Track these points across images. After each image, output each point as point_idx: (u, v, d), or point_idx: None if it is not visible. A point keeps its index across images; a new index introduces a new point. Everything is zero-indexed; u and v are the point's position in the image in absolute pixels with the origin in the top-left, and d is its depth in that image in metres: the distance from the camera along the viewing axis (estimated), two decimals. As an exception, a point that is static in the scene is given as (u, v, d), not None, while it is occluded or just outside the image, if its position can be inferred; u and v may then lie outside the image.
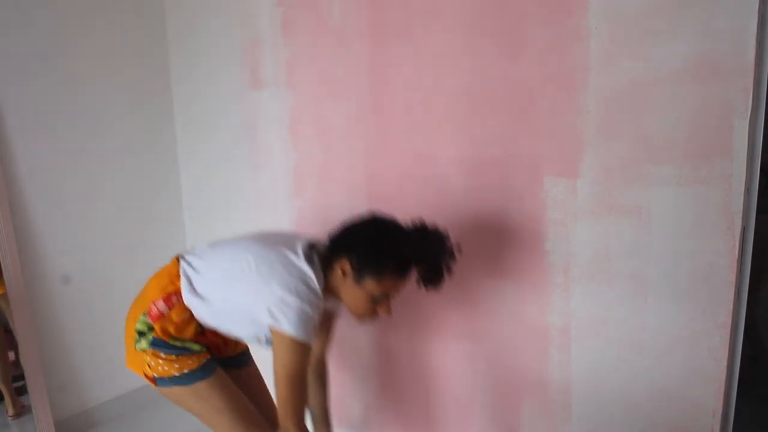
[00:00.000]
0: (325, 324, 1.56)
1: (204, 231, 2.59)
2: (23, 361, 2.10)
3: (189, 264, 1.41)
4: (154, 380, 1.38)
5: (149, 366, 1.36)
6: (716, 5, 1.16)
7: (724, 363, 1.25)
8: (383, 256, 1.28)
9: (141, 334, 1.36)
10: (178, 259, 1.45)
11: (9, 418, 2.20)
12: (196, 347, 1.40)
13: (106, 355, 2.33)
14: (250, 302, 1.30)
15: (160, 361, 1.35)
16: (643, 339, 1.36)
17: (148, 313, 1.37)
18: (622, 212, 1.34)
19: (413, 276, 1.33)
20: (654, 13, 1.24)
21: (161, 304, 1.36)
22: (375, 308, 1.33)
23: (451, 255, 1.32)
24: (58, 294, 2.23)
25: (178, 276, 1.39)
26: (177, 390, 1.38)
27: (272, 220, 2.22)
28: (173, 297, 1.37)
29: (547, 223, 1.47)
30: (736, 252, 1.20)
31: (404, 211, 1.76)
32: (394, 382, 1.94)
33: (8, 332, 2.16)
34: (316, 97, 1.95)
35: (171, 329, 1.36)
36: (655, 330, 1.34)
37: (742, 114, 1.16)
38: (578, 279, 1.44)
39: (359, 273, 1.29)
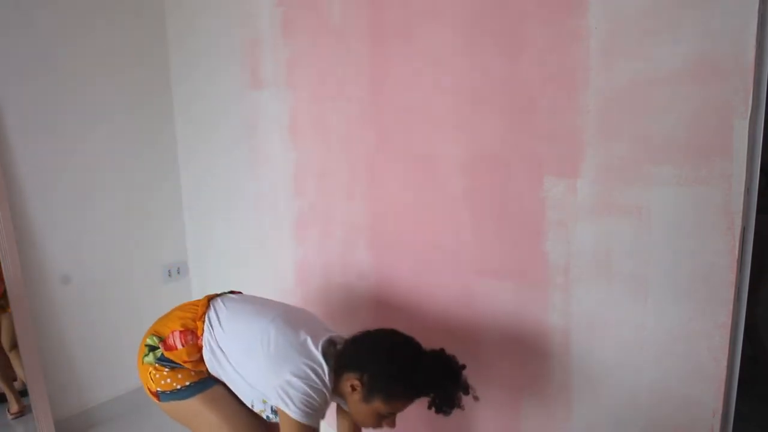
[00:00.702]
0: (349, 424, 1.55)
1: (204, 231, 2.59)
2: (23, 361, 2.10)
3: (216, 314, 1.45)
4: (157, 395, 1.43)
5: (152, 379, 1.42)
6: (716, 5, 1.16)
7: (724, 363, 1.25)
8: (396, 384, 1.28)
9: (151, 348, 1.43)
10: (208, 301, 1.50)
11: (10, 417, 2.20)
12: (200, 367, 1.45)
13: (106, 355, 2.34)
14: (259, 378, 1.35)
15: (165, 373, 1.41)
16: (643, 339, 1.36)
17: (163, 340, 1.43)
18: (622, 212, 1.34)
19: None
20: (654, 13, 1.24)
21: (178, 338, 1.42)
22: (380, 422, 1.35)
23: (465, 389, 1.33)
24: (58, 294, 2.23)
25: (202, 318, 1.44)
26: (177, 405, 1.42)
27: (272, 220, 2.22)
28: (189, 336, 1.42)
29: (547, 223, 1.47)
30: (736, 252, 1.20)
31: (404, 210, 1.77)
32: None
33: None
34: (316, 97, 1.95)
35: (179, 361, 1.42)
36: (655, 330, 1.34)
37: (742, 114, 1.16)
38: (578, 279, 1.44)
39: (369, 393, 1.29)
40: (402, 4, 1.67)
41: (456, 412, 1.31)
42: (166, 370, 1.41)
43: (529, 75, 1.44)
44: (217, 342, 1.41)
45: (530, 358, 1.57)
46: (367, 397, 1.29)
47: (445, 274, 1.72)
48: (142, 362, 1.43)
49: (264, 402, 1.39)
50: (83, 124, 2.25)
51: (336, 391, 1.36)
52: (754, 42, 1.12)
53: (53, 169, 2.18)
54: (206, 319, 1.44)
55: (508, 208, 1.54)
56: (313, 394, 1.28)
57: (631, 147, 1.31)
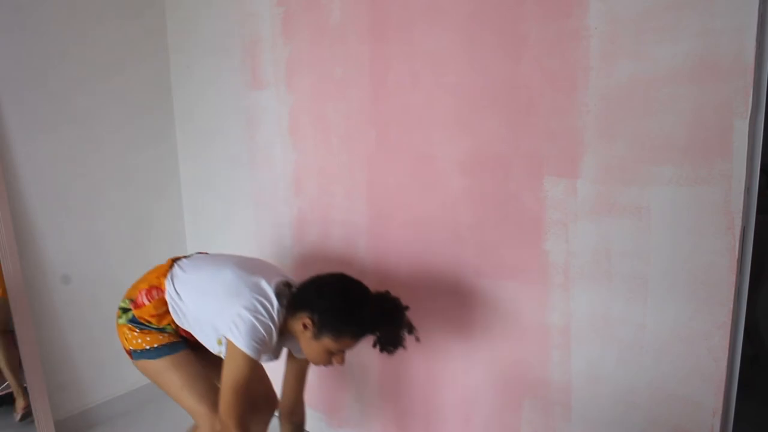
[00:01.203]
0: (296, 371, 1.67)
1: (204, 231, 2.59)
2: (23, 361, 2.10)
3: (179, 268, 1.55)
4: (130, 353, 1.53)
5: (126, 339, 1.53)
6: (716, 5, 1.16)
7: (724, 363, 1.25)
8: (343, 323, 1.38)
9: (124, 310, 1.55)
10: (172, 261, 1.60)
11: (17, 414, 2.18)
12: (169, 329, 1.53)
13: (106, 355, 2.33)
14: (215, 315, 1.42)
15: (135, 334, 1.51)
16: (643, 339, 1.36)
17: (133, 300, 1.54)
18: (622, 212, 1.34)
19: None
20: (654, 13, 1.24)
21: (144, 295, 1.52)
22: (330, 359, 1.43)
23: (409, 328, 1.43)
24: (58, 294, 2.23)
25: (166, 274, 1.54)
26: (147, 363, 1.52)
27: (272, 220, 2.22)
28: (154, 291, 1.52)
29: (547, 223, 1.47)
30: (736, 252, 1.20)
31: (404, 211, 1.77)
32: (394, 382, 1.94)
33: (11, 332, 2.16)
34: (316, 97, 1.95)
35: (148, 318, 1.51)
36: (655, 330, 1.34)
37: (742, 114, 1.16)
38: (578, 279, 1.44)
39: (319, 331, 1.38)
40: (402, 4, 1.67)
41: None
42: (137, 331, 1.51)
43: (529, 75, 1.45)
44: (177, 292, 1.49)
45: (530, 358, 1.57)
46: (318, 334, 1.38)
47: (445, 274, 1.71)
48: (117, 323, 1.55)
49: (220, 343, 1.46)
50: (83, 125, 2.25)
51: (290, 330, 1.45)
52: (754, 42, 1.13)
53: (54, 170, 2.18)
54: (169, 275, 1.54)
55: (508, 208, 1.54)
56: (260, 327, 1.36)
57: (631, 147, 1.31)
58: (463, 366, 1.73)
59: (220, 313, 1.41)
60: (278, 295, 1.44)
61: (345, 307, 1.39)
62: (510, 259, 1.56)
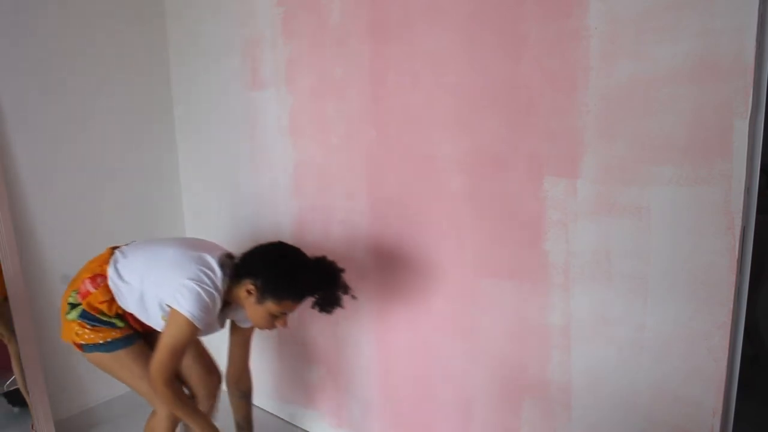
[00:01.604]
0: (240, 341, 1.76)
1: (204, 231, 2.59)
2: (23, 361, 2.10)
3: (121, 254, 1.60)
4: (81, 347, 1.55)
5: (77, 334, 1.54)
6: (716, 5, 1.16)
7: (724, 363, 1.25)
8: (283, 287, 1.47)
9: (72, 306, 1.55)
10: (112, 249, 1.64)
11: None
12: (120, 323, 1.56)
13: (106, 355, 2.33)
14: (160, 288, 1.47)
15: (87, 330, 1.53)
16: (643, 339, 1.36)
17: (78, 291, 1.55)
18: (622, 212, 1.34)
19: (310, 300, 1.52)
20: (654, 13, 1.24)
21: (89, 284, 1.55)
22: (273, 322, 1.52)
23: (344, 289, 1.53)
24: (58, 294, 2.22)
25: (107, 261, 1.58)
26: (100, 356, 1.55)
27: (272, 220, 2.22)
28: (98, 278, 1.55)
29: (547, 223, 1.47)
30: (736, 252, 1.20)
31: (404, 210, 1.77)
32: (394, 382, 1.94)
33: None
34: (316, 97, 1.95)
35: (97, 306, 1.53)
36: (655, 330, 1.34)
37: (742, 114, 1.16)
38: (578, 279, 1.44)
39: (261, 295, 1.47)
40: (402, 4, 1.67)
41: None
42: (88, 327, 1.53)
43: (529, 75, 1.45)
44: (120, 275, 1.53)
45: (530, 358, 1.57)
46: (261, 299, 1.47)
47: (445, 274, 1.72)
48: (66, 319, 1.56)
49: (164, 319, 1.50)
50: (83, 125, 2.25)
51: (234, 298, 1.53)
52: (754, 42, 1.13)
53: (54, 171, 2.18)
54: (111, 260, 1.58)
55: (508, 208, 1.54)
56: (204, 296, 1.43)
57: (631, 147, 1.31)
58: (463, 366, 1.73)
59: (164, 286, 1.46)
60: (222, 265, 1.51)
61: (285, 271, 1.47)
62: (510, 259, 1.56)
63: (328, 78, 1.90)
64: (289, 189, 2.12)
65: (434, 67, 1.63)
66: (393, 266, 1.85)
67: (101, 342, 1.53)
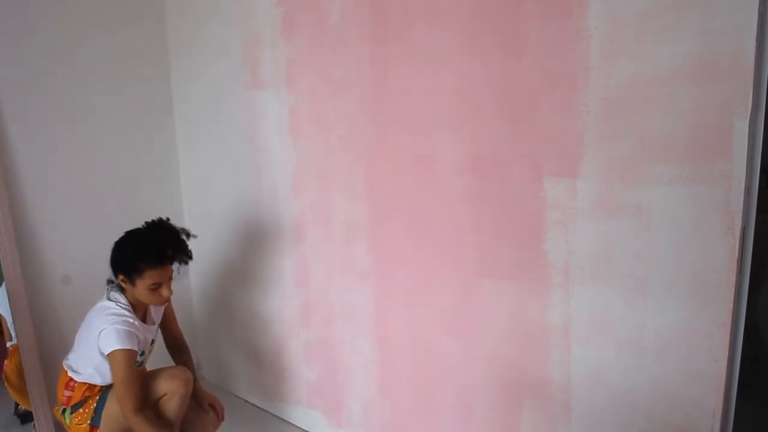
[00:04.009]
0: (165, 318, 1.93)
1: (204, 230, 2.59)
2: (23, 361, 2.10)
3: (66, 358, 1.79)
4: (94, 428, 1.71)
5: (80, 424, 1.70)
6: (716, 5, 1.16)
7: (724, 363, 1.25)
8: (131, 261, 1.66)
9: (63, 412, 1.75)
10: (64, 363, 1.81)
11: None
12: (95, 389, 1.73)
13: (106, 355, 2.33)
14: (93, 351, 1.66)
15: (80, 412, 1.70)
16: (643, 339, 1.36)
17: (61, 403, 1.76)
18: (622, 212, 1.34)
19: (170, 260, 1.69)
20: (654, 13, 1.24)
21: (66, 393, 1.74)
22: (157, 294, 1.69)
23: (186, 234, 1.73)
24: (58, 294, 2.23)
25: (65, 372, 1.77)
26: (104, 418, 1.70)
27: (272, 220, 2.22)
28: (71, 383, 1.75)
29: (547, 223, 1.47)
30: (736, 252, 1.20)
31: (404, 210, 1.77)
32: (394, 382, 1.94)
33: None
34: (316, 97, 1.95)
35: (82, 397, 1.72)
36: (655, 330, 1.34)
37: (742, 114, 1.16)
38: (578, 279, 1.44)
39: (130, 279, 1.67)
40: (402, 4, 1.67)
41: None
42: (78, 413, 1.72)
43: (529, 75, 1.44)
44: (76, 367, 1.74)
45: (530, 358, 1.57)
46: (133, 282, 1.67)
47: (445, 274, 1.71)
48: (68, 424, 1.74)
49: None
50: (84, 126, 2.25)
51: (131, 299, 1.71)
52: (754, 42, 1.13)
53: (54, 171, 2.18)
54: (66, 367, 1.77)
55: (508, 208, 1.54)
56: (118, 325, 1.62)
57: (631, 147, 1.31)
58: (463, 365, 1.73)
59: (94, 347, 1.65)
60: (108, 291, 1.73)
61: (124, 249, 1.68)
62: (510, 259, 1.56)
63: (328, 78, 1.90)
64: (289, 189, 2.12)
65: (434, 66, 1.63)
66: (393, 266, 1.85)
67: (93, 416, 1.71)
